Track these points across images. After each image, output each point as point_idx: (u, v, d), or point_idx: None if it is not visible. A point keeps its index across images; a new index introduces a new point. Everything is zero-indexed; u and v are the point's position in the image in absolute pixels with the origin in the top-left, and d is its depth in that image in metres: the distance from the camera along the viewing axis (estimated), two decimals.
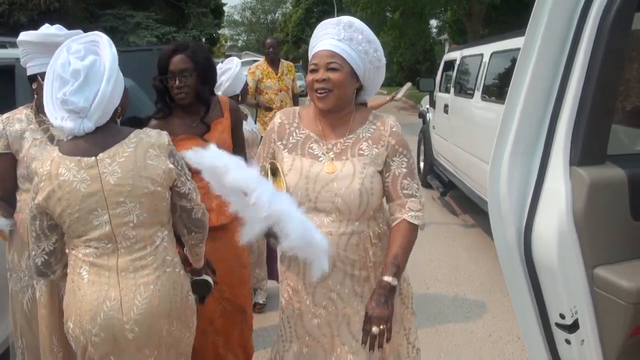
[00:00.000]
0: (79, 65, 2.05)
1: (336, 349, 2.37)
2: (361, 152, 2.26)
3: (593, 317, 1.76)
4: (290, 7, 67.74)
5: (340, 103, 2.23)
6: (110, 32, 17.49)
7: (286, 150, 2.32)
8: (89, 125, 2.08)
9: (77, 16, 16.64)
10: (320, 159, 2.27)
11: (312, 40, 2.31)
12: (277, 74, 6.91)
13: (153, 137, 2.20)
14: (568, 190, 1.65)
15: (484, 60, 6.49)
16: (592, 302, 1.74)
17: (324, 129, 2.33)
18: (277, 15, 79.77)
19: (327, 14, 58.15)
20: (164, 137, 2.24)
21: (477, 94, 6.40)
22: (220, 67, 4.20)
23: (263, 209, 1.98)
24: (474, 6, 23.65)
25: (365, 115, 2.35)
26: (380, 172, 2.28)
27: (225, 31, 53.90)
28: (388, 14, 29.09)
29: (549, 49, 1.66)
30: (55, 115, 2.09)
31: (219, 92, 3.49)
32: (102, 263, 2.12)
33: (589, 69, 1.65)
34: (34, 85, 2.75)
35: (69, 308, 2.17)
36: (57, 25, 2.76)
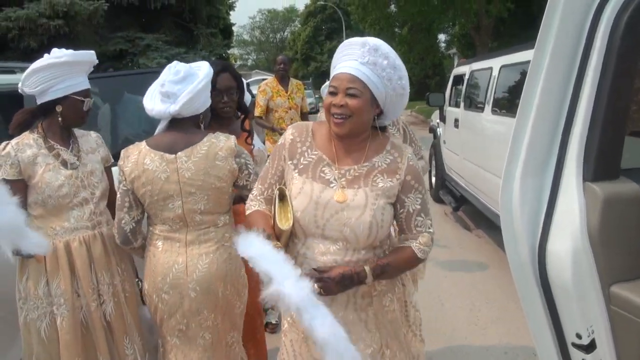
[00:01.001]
0: (182, 67, 2.65)
1: None
2: (375, 183, 2.20)
3: (610, 336, 1.71)
4: (299, 26, 68.30)
5: (357, 129, 2.18)
6: (120, 54, 17.66)
7: (297, 171, 2.26)
8: (174, 108, 2.59)
9: (87, 40, 16.73)
10: (332, 184, 2.21)
11: (335, 59, 2.25)
12: (286, 92, 6.81)
13: (222, 142, 2.68)
14: (582, 207, 1.61)
15: (493, 73, 6.47)
16: (609, 321, 1.70)
17: (338, 152, 2.26)
18: (286, 33, 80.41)
19: (336, 31, 58.52)
20: (232, 141, 2.71)
21: (488, 107, 6.37)
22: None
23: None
24: (482, 20, 23.70)
25: (383, 143, 2.28)
26: (392, 204, 2.22)
27: (234, 51, 54.24)
28: (396, 29, 29.26)
29: (559, 64, 1.64)
30: (151, 102, 2.67)
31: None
32: (174, 237, 2.68)
33: (599, 83, 1.62)
34: (59, 109, 2.75)
35: (146, 273, 2.74)
36: (61, 49, 2.77)
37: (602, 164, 1.64)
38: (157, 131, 2.74)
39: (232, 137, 2.72)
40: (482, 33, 24.19)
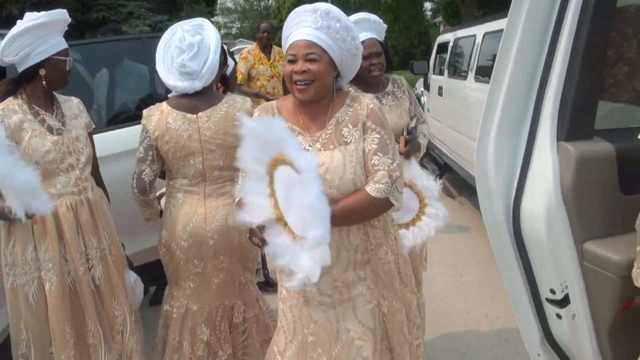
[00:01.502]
0: (193, 40, 2.78)
1: (341, 336, 2.35)
2: (344, 138, 2.24)
3: (584, 291, 1.77)
4: None
5: (320, 93, 2.22)
6: (102, 22, 17.40)
7: None
8: (199, 84, 2.83)
9: (69, 7, 16.45)
10: (309, 151, 2.24)
11: (287, 29, 2.29)
12: (269, 60, 6.73)
13: (239, 103, 2.92)
14: (555, 166, 1.66)
15: (476, 41, 6.48)
16: (582, 277, 1.76)
17: (305, 121, 2.31)
18: (270, 1, 79.45)
19: None
20: (248, 102, 2.96)
21: (471, 75, 6.40)
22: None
23: (307, 199, 1.93)
24: None
25: (343, 99, 2.33)
26: None
27: (218, 19, 53.67)
28: None
29: (533, 26, 1.67)
30: (169, 77, 2.84)
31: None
32: (194, 190, 2.91)
33: (573, 45, 1.65)
34: (42, 72, 2.74)
35: (165, 223, 2.97)
36: (32, 12, 2.74)
37: (575, 124, 1.68)
38: (173, 93, 2.95)
39: (248, 99, 3.00)
40: (467, 2, 24.10)
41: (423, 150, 3.25)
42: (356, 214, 2.20)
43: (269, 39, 6.85)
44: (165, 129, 2.82)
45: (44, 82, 2.76)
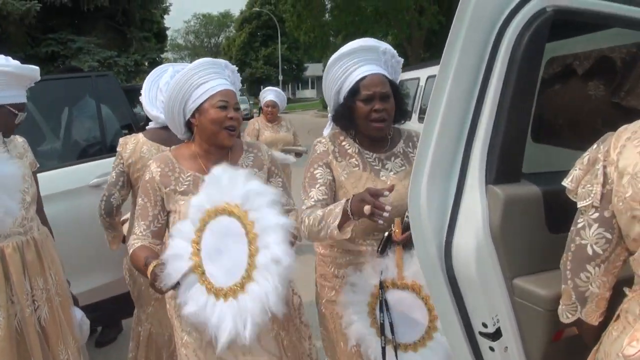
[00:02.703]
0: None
1: None
2: None
3: (515, 324, 1.86)
4: (234, 31, 67.83)
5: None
6: (52, 56, 17.21)
7: (178, 194, 2.41)
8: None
9: (19, 41, 16.28)
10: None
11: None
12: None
13: None
14: (484, 207, 1.76)
15: (420, 83, 6.70)
16: (513, 311, 1.84)
17: (207, 166, 2.39)
18: (220, 39, 79.78)
19: (271, 38, 58.39)
20: None
21: (414, 116, 6.60)
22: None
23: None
24: (414, 31, 24.20)
25: (240, 146, 2.53)
26: None
27: (168, 55, 53.53)
28: (331, 38, 29.46)
29: (463, 75, 1.77)
30: (153, 109, 3.11)
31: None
32: None
33: (501, 94, 1.76)
34: None
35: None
36: (7, 57, 2.76)
37: (503, 169, 1.79)
38: (151, 125, 3.21)
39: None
40: (414, 44, 24.70)
41: None
42: None
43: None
44: (139, 157, 3.05)
45: None
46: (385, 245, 2.39)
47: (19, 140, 2.99)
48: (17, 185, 2.52)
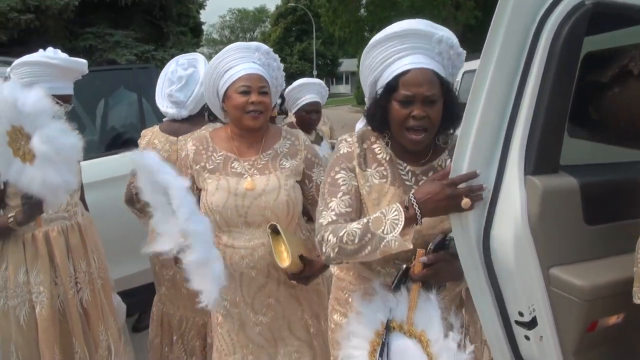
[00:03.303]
0: (184, 73, 3.15)
1: (280, 351, 2.49)
2: (282, 166, 2.43)
3: (550, 314, 1.87)
4: (269, 26, 67.98)
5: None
6: (90, 50, 17.52)
7: (207, 172, 2.45)
8: (184, 112, 3.20)
9: (58, 35, 16.60)
10: (244, 176, 2.40)
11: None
12: None
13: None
14: (523, 197, 1.79)
15: (457, 79, 6.68)
16: (549, 300, 1.86)
17: (240, 148, 2.48)
18: (255, 34, 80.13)
19: (306, 33, 58.37)
20: None
21: None
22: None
23: (179, 222, 2.07)
24: (450, 27, 23.83)
25: (277, 132, 2.53)
26: (299, 182, 2.45)
27: (204, 50, 53.98)
28: (366, 33, 29.38)
29: (504, 68, 1.79)
30: (162, 104, 3.27)
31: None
32: None
33: (540, 88, 1.79)
34: None
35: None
36: (56, 50, 2.88)
37: (541, 160, 1.82)
38: (166, 118, 3.39)
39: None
40: None
41: (461, 282, 2.11)
42: None
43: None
44: (152, 149, 3.18)
45: None
46: (401, 280, 1.99)
47: None
48: (76, 156, 2.62)
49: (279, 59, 2.55)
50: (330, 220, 1.97)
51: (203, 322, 3.30)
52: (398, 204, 1.82)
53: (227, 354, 2.49)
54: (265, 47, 2.48)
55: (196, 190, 2.50)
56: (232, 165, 2.42)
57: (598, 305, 1.83)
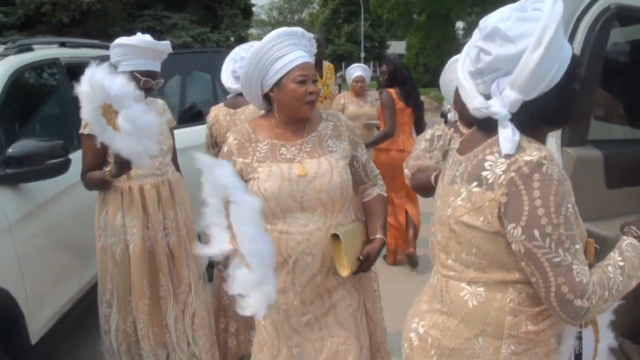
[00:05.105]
0: (244, 54, 3.45)
1: (326, 343, 2.42)
2: (330, 148, 2.37)
3: None
4: (318, 8, 67.64)
5: None
6: (147, 32, 17.96)
7: (256, 162, 2.36)
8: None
9: (116, 16, 17.15)
10: (295, 160, 2.34)
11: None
12: (321, 78, 5.68)
13: None
14: (560, 164, 2.25)
15: None
16: None
17: (284, 134, 2.39)
18: (303, 15, 80.00)
19: (354, 15, 57.97)
20: None
21: None
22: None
23: (241, 242, 1.96)
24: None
25: (317, 115, 2.47)
26: (348, 164, 2.42)
27: (253, 31, 54.24)
28: (415, 16, 29.42)
29: None
30: (227, 81, 3.66)
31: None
32: None
33: None
34: None
35: None
36: (147, 35, 3.34)
37: (574, 134, 2.27)
38: (230, 94, 3.76)
39: None
40: None
41: None
42: (386, 217, 2.53)
43: (320, 53, 5.28)
44: (216, 121, 3.66)
45: None
46: None
47: (159, 102, 3.63)
48: (155, 130, 3.05)
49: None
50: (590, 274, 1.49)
51: None
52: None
53: (272, 347, 2.45)
54: (307, 33, 2.42)
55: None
56: (280, 151, 2.36)
57: None
